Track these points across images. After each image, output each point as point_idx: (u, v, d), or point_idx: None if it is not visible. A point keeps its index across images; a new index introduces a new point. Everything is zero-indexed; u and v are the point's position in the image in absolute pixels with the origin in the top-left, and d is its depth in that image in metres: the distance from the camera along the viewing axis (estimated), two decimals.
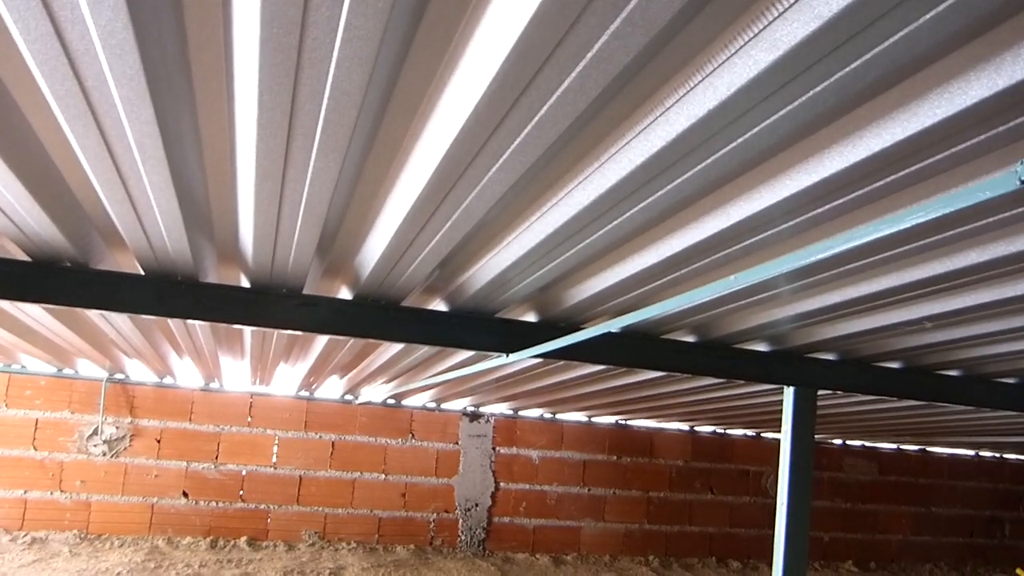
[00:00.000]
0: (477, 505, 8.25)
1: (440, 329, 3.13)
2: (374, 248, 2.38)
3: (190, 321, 2.91)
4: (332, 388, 7.11)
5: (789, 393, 3.52)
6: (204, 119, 1.62)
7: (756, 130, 1.47)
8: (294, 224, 2.12)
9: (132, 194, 1.97)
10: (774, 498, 9.22)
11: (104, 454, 7.23)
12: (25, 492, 7.02)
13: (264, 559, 6.77)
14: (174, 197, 1.96)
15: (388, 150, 1.76)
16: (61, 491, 7.11)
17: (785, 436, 3.51)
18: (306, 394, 7.76)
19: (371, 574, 6.46)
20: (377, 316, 2.99)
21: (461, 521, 8.17)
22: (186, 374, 6.81)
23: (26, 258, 2.61)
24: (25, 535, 6.83)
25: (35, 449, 7.09)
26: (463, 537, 8.17)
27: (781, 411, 3.63)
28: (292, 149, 1.63)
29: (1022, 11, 1.11)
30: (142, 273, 2.70)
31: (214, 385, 7.53)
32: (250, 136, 1.59)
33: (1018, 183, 0.96)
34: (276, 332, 4.12)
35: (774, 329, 3.14)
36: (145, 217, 2.14)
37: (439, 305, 3.13)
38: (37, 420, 7.12)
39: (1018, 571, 9.19)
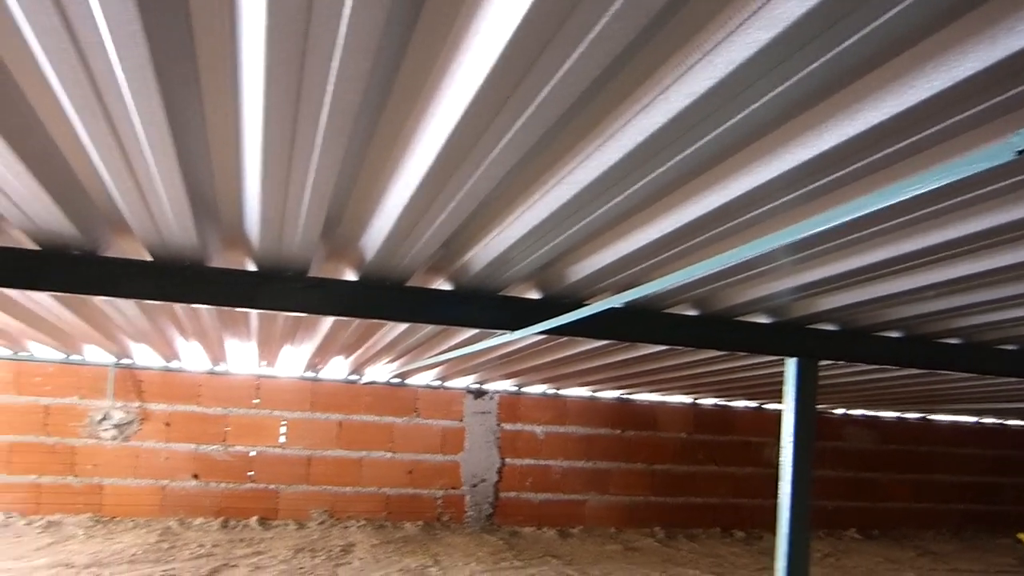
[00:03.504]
0: (483, 481, 8.33)
1: (445, 308, 3.16)
2: (379, 229, 2.41)
3: (198, 306, 2.94)
4: (337, 368, 7.16)
5: (791, 364, 3.55)
6: (210, 105, 1.64)
7: (755, 106, 1.49)
8: (300, 207, 2.14)
9: (139, 181, 1.99)
10: (776, 468, 9.30)
11: (114, 438, 7.30)
12: (38, 477, 7.11)
13: (275, 538, 6.86)
14: (181, 183, 1.98)
15: (392, 131, 1.78)
16: (74, 475, 7.19)
17: (788, 407, 3.55)
18: (311, 375, 7.82)
19: (381, 550, 6.54)
20: (382, 296, 3.02)
21: (468, 497, 8.26)
22: (193, 358, 6.86)
23: (35, 247, 2.64)
24: (40, 519, 6.92)
25: (47, 435, 7.16)
26: (470, 513, 8.26)
27: (782, 383, 3.68)
28: (298, 133, 1.65)
29: None
30: (150, 259, 2.73)
31: (220, 368, 7.58)
32: (256, 121, 1.61)
33: (1013, 154, 0.98)
34: (282, 315, 4.16)
35: (775, 301, 3.17)
36: (152, 204, 2.17)
37: (443, 284, 3.16)
38: (47, 406, 7.19)
39: (1019, 535, 9.29)
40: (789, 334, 3.56)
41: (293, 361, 6.76)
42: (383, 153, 1.92)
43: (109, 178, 1.98)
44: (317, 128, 1.63)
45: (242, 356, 6.52)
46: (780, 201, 1.97)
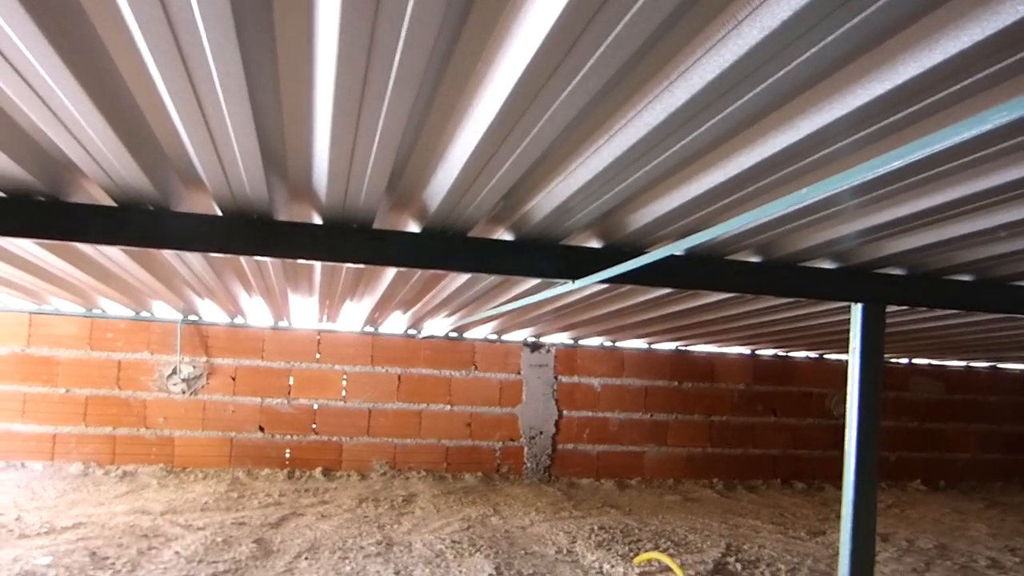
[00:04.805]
0: (541, 433, 8.44)
1: (506, 258, 3.19)
2: (443, 180, 2.43)
3: (264, 259, 3.01)
4: (396, 323, 7.28)
5: (857, 310, 3.49)
6: (284, 57, 1.66)
7: (830, 38, 1.45)
8: (367, 158, 2.17)
9: (214, 135, 2.04)
10: (838, 419, 9.22)
11: (183, 392, 7.57)
12: (113, 429, 7.43)
13: (339, 488, 7.07)
14: (254, 136, 2.02)
15: (460, 79, 1.78)
16: (146, 428, 7.50)
17: (853, 355, 3.50)
18: (371, 330, 7.97)
19: (442, 500, 6.70)
20: (444, 247, 3.06)
21: (526, 449, 8.38)
22: (257, 313, 7.04)
23: (111, 203, 2.73)
24: (116, 469, 7.26)
25: (119, 388, 7.46)
26: (528, 464, 8.39)
27: (846, 331, 3.61)
28: (369, 83, 1.67)
29: None
30: (219, 214, 2.80)
31: (283, 323, 7.78)
32: (328, 71, 1.63)
33: None
34: (344, 268, 4.23)
35: (841, 245, 3.11)
36: (225, 158, 2.22)
37: (505, 235, 3.18)
38: (120, 361, 7.48)
39: None
40: (855, 279, 3.50)
41: (353, 316, 6.89)
42: (450, 101, 1.92)
43: (185, 132, 2.03)
44: (388, 78, 1.64)
45: (304, 312, 6.67)
46: (852, 139, 1.93)
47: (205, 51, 1.54)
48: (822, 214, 2.69)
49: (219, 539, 4.92)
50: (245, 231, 2.82)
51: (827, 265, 3.49)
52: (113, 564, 4.28)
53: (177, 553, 4.54)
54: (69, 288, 5.50)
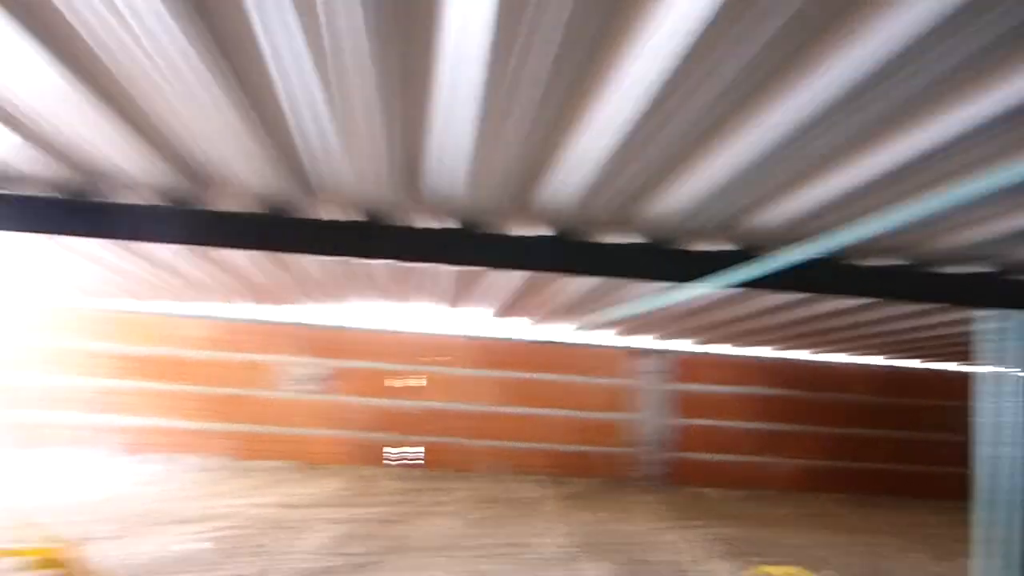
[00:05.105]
0: (658, 440, 8.32)
1: (634, 261, 3.15)
2: (572, 182, 2.44)
3: (400, 264, 3.11)
4: (515, 327, 7.35)
5: (1014, 319, 3.26)
6: (433, 65, 1.71)
7: (985, 33, 1.37)
8: (501, 163, 2.21)
9: (352, 141, 2.12)
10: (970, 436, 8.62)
11: (307, 392, 7.92)
12: (249, 426, 7.85)
13: (460, 489, 7.20)
14: (394, 142, 2.10)
15: (589, 81, 1.77)
16: (279, 426, 7.89)
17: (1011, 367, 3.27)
18: (491, 334, 8.07)
19: (562, 504, 6.73)
20: (574, 251, 3.06)
21: (643, 456, 8.28)
22: (381, 317, 7.27)
23: (263, 210, 2.89)
24: (253, 463, 7.66)
25: (255, 388, 7.88)
26: (645, 471, 8.28)
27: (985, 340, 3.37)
28: (507, 87, 1.70)
29: None
30: (362, 219, 2.91)
31: (406, 327, 7.98)
32: (471, 78, 1.67)
33: None
34: (467, 272, 4.30)
35: (994, 248, 2.91)
36: (361, 162, 2.31)
37: (632, 238, 3.14)
38: (255, 362, 7.90)
39: None
40: (1011, 285, 3.26)
41: (475, 320, 7.01)
42: (580, 103, 1.92)
43: (331, 138, 2.12)
44: (519, 82, 1.66)
45: (427, 316, 6.84)
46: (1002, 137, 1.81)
47: (364, 59, 1.61)
48: (976, 215, 2.54)
49: (354, 532, 5.12)
50: (380, 235, 2.92)
51: (978, 268, 3.27)
52: (266, 550, 4.56)
53: (318, 543, 4.77)
54: (209, 292, 5.84)
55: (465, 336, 8.09)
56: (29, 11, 1.57)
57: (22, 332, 7.76)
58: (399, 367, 8.04)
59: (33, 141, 2.34)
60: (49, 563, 3.19)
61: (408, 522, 5.58)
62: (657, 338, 7.74)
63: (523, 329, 7.42)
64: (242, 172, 2.50)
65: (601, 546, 5.20)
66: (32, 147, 2.39)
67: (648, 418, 8.33)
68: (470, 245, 2.96)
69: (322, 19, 1.45)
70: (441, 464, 8.00)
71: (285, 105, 1.93)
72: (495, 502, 6.60)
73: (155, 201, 2.88)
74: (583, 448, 8.23)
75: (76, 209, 2.90)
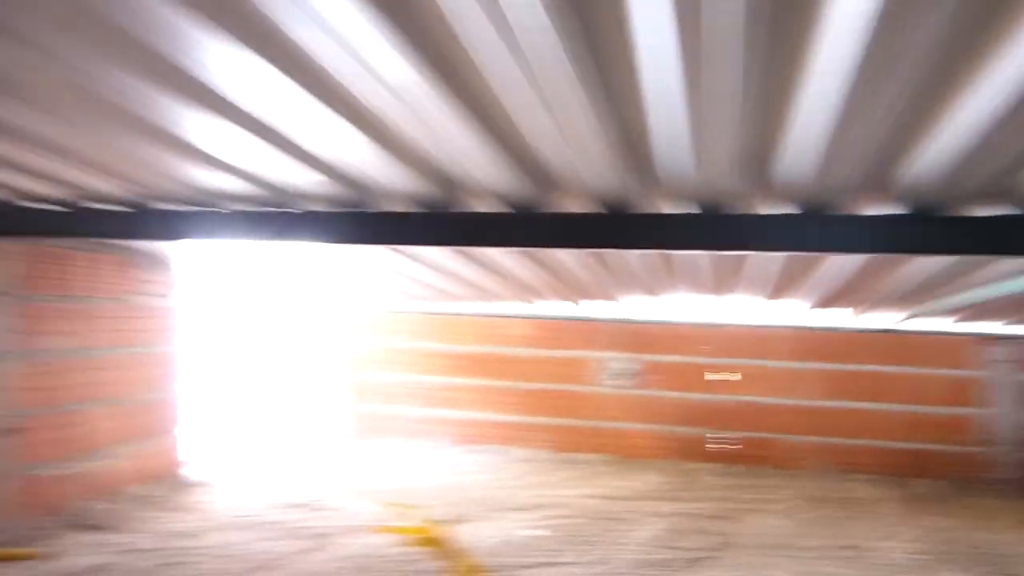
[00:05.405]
0: (1011, 438, 7.31)
1: (1002, 236, 2.79)
2: (932, 157, 2.20)
3: (734, 254, 3.03)
4: (831, 316, 6.89)
5: None
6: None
7: None
8: (856, 141, 2.06)
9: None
10: None
11: (623, 387, 8.04)
12: (564, 419, 8.18)
13: (782, 486, 6.90)
14: (739, 132, 2.04)
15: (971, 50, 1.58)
16: (592, 419, 8.11)
17: None
18: (804, 324, 7.63)
19: (896, 506, 6.22)
20: (931, 229, 2.78)
21: (991, 455, 7.33)
22: (688, 310, 7.19)
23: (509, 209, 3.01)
24: (566, 456, 7.97)
25: (568, 383, 8.18)
26: (998, 474, 7.32)
27: None
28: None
29: None
30: (699, 212, 2.88)
31: (715, 320, 7.82)
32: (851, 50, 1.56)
33: None
34: (795, 259, 4.09)
35: None
36: (702, 161, 2.27)
37: (991, 210, 2.78)
38: (566, 359, 8.20)
39: None
40: None
41: (792, 311, 6.69)
42: (970, 66, 1.72)
43: (681, 130, 2.12)
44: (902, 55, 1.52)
45: (734, 307, 6.64)
46: None
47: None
48: None
49: (678, 527, 5.12)
50: (721, 226, 2.87)
51: None
52: (601, 539, 4.73)
53: (650, 536, 4.85)
54: (532, 292, 6.17)
55: (784, 327, 7.70)
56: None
57: (363, 335, 8.77)
58: (710, 361, 7.89)
59: (400, 157, 2.60)
60: (426, 541, 3.54)
61: (737, 519, 5.45)
62: (1009, 323, 6.80)
63: (839, 318, 6.93)
64: (586, 173, 2.58)
65: (959, 555, 4.69)
66: (400, 164, 2.64)
67: (1001, 413, 7.35)
68: (815, 229, 2.80)
69: (702, 4, 1.42)
70: (761, 460, 7.72)
71: (644, 100, 1.95)
72: (826, 501, 6.23)
73: (499, 208, 3.08)
74: (920, 446, 7.47)
75: (431, 220, 3.21)
